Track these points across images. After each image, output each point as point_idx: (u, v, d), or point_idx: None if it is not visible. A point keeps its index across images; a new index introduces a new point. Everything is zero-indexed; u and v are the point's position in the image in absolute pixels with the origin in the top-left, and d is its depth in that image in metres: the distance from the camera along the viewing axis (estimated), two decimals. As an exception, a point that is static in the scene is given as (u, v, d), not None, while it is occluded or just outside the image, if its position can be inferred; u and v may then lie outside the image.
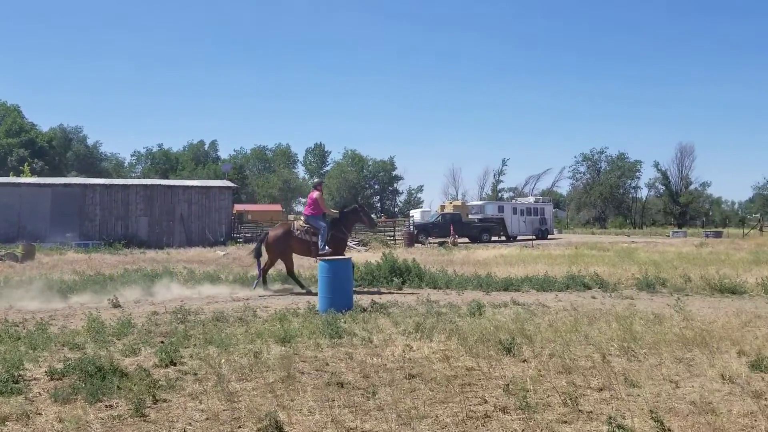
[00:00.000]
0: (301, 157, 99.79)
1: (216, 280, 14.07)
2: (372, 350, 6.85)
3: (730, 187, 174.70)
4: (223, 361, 6.34)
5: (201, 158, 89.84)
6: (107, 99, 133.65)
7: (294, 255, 13.23)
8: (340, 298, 9.83)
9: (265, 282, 13.06)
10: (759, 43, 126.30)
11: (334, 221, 13.21)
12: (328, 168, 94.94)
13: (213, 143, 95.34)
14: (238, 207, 52.39)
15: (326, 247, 12.78)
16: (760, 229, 51.83)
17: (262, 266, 13.03)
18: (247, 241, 35.95)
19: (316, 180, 14.88)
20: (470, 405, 4.89)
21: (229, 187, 38.67)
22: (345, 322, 8.47)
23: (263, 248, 13.06)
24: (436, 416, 4.65)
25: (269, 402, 4.97)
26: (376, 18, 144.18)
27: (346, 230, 13.56)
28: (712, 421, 4.39)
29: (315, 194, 13.19)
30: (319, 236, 12.82)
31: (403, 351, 6.73)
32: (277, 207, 62.20)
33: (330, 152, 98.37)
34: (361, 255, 23.33)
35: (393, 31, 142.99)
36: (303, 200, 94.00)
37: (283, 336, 7.41)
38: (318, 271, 10.30)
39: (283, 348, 7.00)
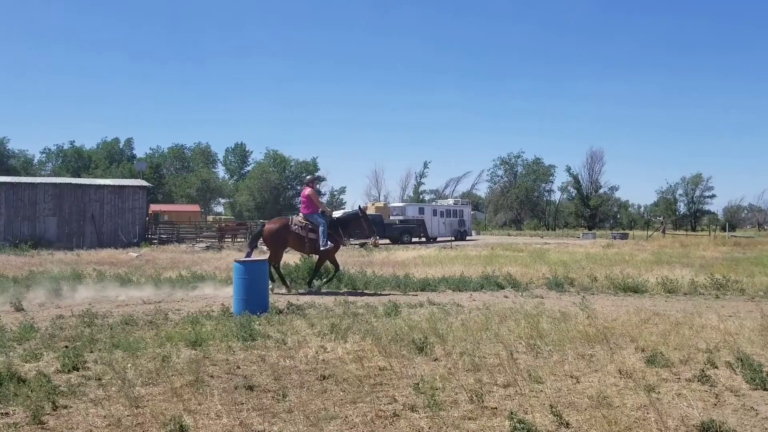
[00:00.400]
0: (221, 157, 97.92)
1: (127, 283, 13.62)
2: (285, 352, 6.82)
3: (637, 191, 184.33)
4: (129, 365, 6.16)
5: (115, 156, 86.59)
6: (16, 94, 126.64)
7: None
8: (255, 300, 9.71)
9: (281, 279, 12.86)
10: (665, 49, 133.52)
11: (332, 223, 13.08)
12: (249, 168, 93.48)
13: (128, 141, 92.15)
14: (153, 207, 50.80)
15: (328, 243, 12.59)
16: (663, 232, 54.89)
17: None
18: (162, 242, 34.97)
19: (308, 177, 14.40)
20: (380, 404, 4.95)
21: (143, 187, 37.49)
22: (260, 325, 8.38)
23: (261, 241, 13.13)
24: (346, 417, 4.69)
25: (175, 406, 4.86)
26: (299, 17, 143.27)
27: (344, 234, 13.42)
28: (607, 414, 4.61)
29: (307, 191, 13.00)
30: (320, 232, 12.61)
31: (317, 352, 6.73)
32: (195, 207, 60.65)
33: (251, 152, 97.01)
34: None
35: (314, 31, 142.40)
36: (223, 201, 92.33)
37: (194, 339, 7.25)
38: (233, 273, 10.15)
39: (193, 351, 6.85)
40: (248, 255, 13.02)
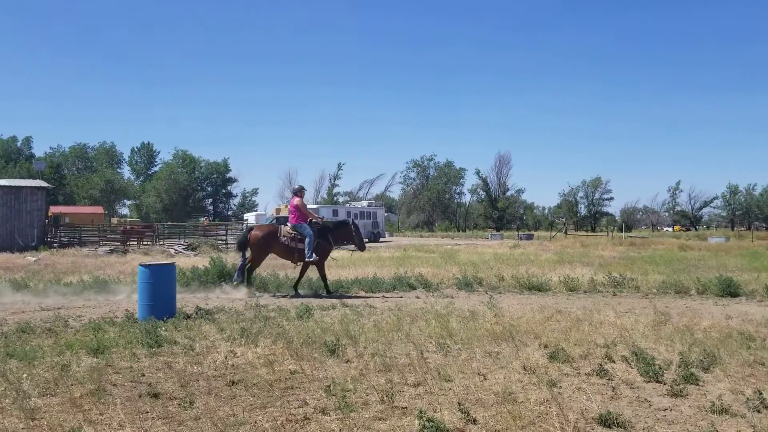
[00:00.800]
0: (126, 157, 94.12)
1: (23, 288, 12.86)
2: (193, 358, 6.63)
3: (541, 193, 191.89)
4: (24, 375, 5.81)
5: (12, 156, 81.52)
6: None
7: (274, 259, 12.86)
8: (161, 305, 9.37)
9: (249, 281, 12.54)
10: (568, 60, 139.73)
11: (321, 230, 12.83)
12: (156, 169, 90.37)
13: (27, 140, 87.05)
14: (54, 209, 48.25)
15: (313, 255, 12.40)
16: (565, 232, 57.37)
17: (245, 263, 12.62)
18: (62, 245, 33.24)
19: (296, 186, 13.97)
20: (291, 408, 4.91)
21: (42, 188, 35.51)
22: (166, 330, 8.11)
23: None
24: (255, 422, 4.61)
25: (74, 417, 4.63)
26: (208, 17, 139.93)
27: (333, 242, 13.15)
28: (512, 409, 4.77)
29: (296, 201, 12.78)
30: (306, 243, 12.41)
31: (226, 357, 6.59)
32: (99, 209, 58.01)
33: (159, 152, 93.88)
34: (189, 260, 22.48)
35: (221, 30, 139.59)
36: (128, 202, 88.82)
37: (96, 347, 6.94)
38: (138, 277, 9.79)
39: (95, 360, 6.55)
40: (242, 262, 12.73)
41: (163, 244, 34.14)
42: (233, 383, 5.63)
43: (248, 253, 12.78)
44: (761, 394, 4.89)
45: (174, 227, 43.36)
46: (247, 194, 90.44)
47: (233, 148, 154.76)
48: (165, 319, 8.93)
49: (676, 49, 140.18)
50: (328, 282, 12.86)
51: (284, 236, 12.66)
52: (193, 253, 27.86)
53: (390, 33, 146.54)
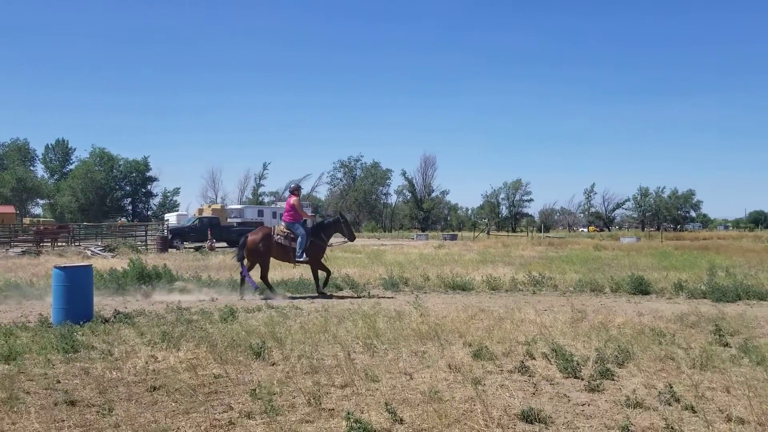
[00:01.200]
0: (40, 154, 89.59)
1: None
2: (112, 364, 6.40)
3: (465, 195, 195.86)
4: (-76, 388, 5.44)
5: None
6: None
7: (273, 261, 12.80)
8: (77, 308, 8.99)
9: (248, 283, 12.41)
10: (492, 63, 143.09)
11: (314, 229, 12.86)
12: (71, 167, 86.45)
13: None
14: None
15: (304, 255, 12.39)
16: (488, 233, 58.71)
17: (248, 271, 12.57)
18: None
19: (292, 185, 13.83)
20: (215, 413, 4.81)
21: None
22: (83, 335, 7.80)
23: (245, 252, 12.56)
24: (178, 428, 4.49)
25: (-18, 431, 4.38)
26: (133, 10, 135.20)
27: (326, 238, 13.08)
28: (438, 408, 4.84)
29: (292, 200, 12.73)
30: (298, 243, 12.39)
31: (147, 362, 6.39)
32: (10, 209, 54.97)
33: (75, 149, 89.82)
34: (107, 261, 21.63)
35: (144, 19, 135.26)
36: (42, 202, 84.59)
37: (7, 353, 6.59)
38: (52, 280, 9.35)
39: (6, 366, 6.23)
40: (243, 270, 12.57)
41: (79, 245, 32.72)
42: (154, 389, 5.47)
43: (246, 262, 12.65)
44: (672, 388, 5.15)
45: (90, 228, 41.60)
46: (168, 194, 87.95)
47: (154, 147, 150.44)
48: (81, 323, 8.58)
49: (590, 54, 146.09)
50: (320, 283, 12.77)
51: (278, 235, 12.67)
52: (111, 254, 26.81)
53: (316, 34, 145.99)
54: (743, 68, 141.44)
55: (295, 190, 13.19)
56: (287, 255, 12.70)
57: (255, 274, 12.75)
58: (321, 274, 12.79)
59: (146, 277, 13.29)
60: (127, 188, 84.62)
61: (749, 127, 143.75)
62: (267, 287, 12.56)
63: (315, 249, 12.69)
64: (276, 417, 4.64)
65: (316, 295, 12.48)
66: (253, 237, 12.77)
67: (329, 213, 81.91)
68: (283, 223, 12.88)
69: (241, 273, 12.67)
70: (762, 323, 8.93)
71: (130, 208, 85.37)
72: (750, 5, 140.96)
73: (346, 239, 13.67)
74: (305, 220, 12.83)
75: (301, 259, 12.45)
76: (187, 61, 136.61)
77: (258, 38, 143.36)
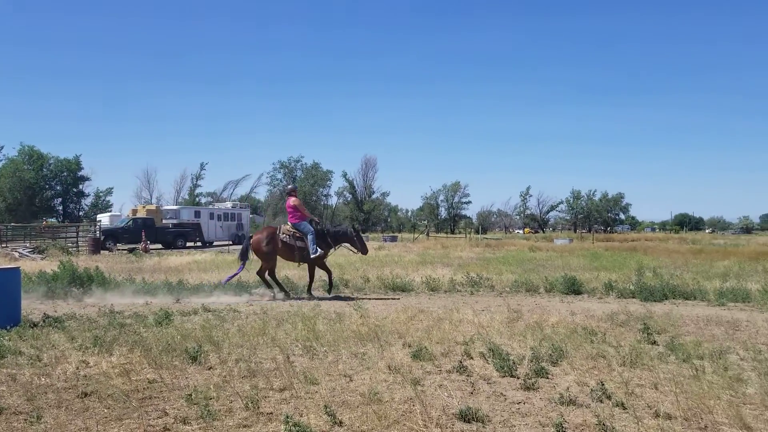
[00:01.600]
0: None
1: None
2: (40, 369, 6.15)
3: (405, 196, 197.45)
4: None
5: None
6: None
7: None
8: (4, 312, 8.59)
9: (279, 285, 12.72)
10: (432, 66, 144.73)
11: (323, 232, 12.78)
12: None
13: None
14: None
15: (318, 249, 12.35)
16: (427, 234, 59.31)
17: (239, 273, 12.82)
18: None
19: (289, 186, 13.80)
20: (149, 419, 4.68)
21: None
22: (9, 340, 7.47)
23: (251, 253, 12.73)
24: (110, 436, 4.36)
25: None
26: (63, 9, 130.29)
27: (332, 244, 12.91)
28: (377, 409, 4.85)
29: (291, 200, 12.79)
30: (308, 240, 12.40)
31: (78, 368, 6.17)
32: None
33: (2, 147, 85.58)
34: (35, 263, 20.79)
35: (79, 14, 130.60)
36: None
37: None
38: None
39: None
40: (239, 269, 12.91)
41: (6, 246, 31.26)
42: (86, 395, 5.28)
43: (247, 263, 12.83)
44: (603, 385, 5.32)
45: (18, 229, 39.78)
46: (101, 194, 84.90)
47: (86, 145, 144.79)
48: (8, 327, 8.21)
49: (525, 57, 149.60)
50: (313, 285, 12.90)
51: (284, 233, 12.63)
52: (40, 256, 25.79)
53: (255, 35, 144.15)
54: (670, 73, 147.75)
55: (293, 191, 13.23)
56: (292, 254, 12.72)
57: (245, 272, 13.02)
58: (316, 275, 13.02)
59: (77, 280, 12.83)
60: (58, 188, 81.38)
61: (675, 132, 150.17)
62: (275, 285, 12.74)
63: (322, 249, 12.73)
64: (213, 422, 4.56)
65: (305, 296, 12.53)
66: (258, 236, 12.90)
67: (260, 214, 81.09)
68: (288, 224, 12.85)
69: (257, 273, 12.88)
70: (687, 322, 9.33)
71: (60, 208, 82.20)
72: (677, 9, 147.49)
73: (357, 251, 13.34)
74: (311, 219, 12.89)
75: (316, 254, 12.40)
76: (120, 58, 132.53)
77: (196, 36, 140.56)
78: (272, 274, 12.88)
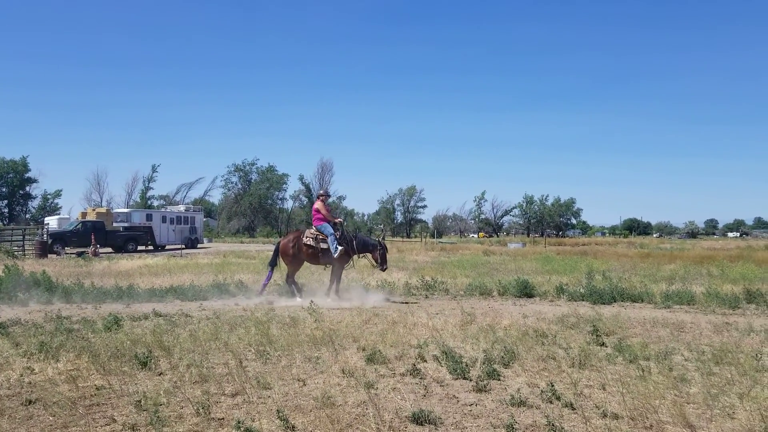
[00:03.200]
0: None
1: None
2: (-19, 378, 5.94)
3: (362, 200, 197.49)
4: None
5: None
6: None
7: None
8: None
9: (299, 290, 12.86)
10: (385, 71, 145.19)
11: (348, 238, 12.86)
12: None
13: None
14: None
15: (338, 247, 12.49)
16: (383, 238, 59.24)
17: (286, 278, 13.02)
18: None
19: (320, 191, 14.01)
20: (96, 427, 4.58)
21: None
22: (-53, 348, 7.19)
23: (279, 257, 12.98)
24: (55, 444, 4.24)
25: None
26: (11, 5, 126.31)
27: (356, 251, 12.93)
28: (330, 414, 4.84)
29: (317, 204, 13.10)
30: (330, 241, 12.57)
31: (22, 375, 5.99)
32: None
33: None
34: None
35: (29, 9, 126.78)
36: None
37: None
38: None
39: None
40: (269, 275, 13.13)
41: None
42: (30, 402, 5.13)
43: (277, 268, 13.15)
44: (553, 386, 5.43)
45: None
46: (49, 196, 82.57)
47: (34, 147, 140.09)
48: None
49: (482, 71, 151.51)
50: (339, 287, 12.91)
51: (308, 237, 12.86)
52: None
53: (208, 31, 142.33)
54: (619, 80, 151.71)
55: (321, 196, 13.49)
56: (316, 257, 12.88)
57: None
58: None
59: (23, 284, 12.43)
60: (3, 189, 78.76)
61: (626, 139, 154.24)
62: (291, 289, 12.89)
63: (343, 254, 12.70)
64: (162, 428, 4.48)
65: (327, 298, 12.54)
66: (284, 240, 13.29)
67: (213, 218, 79.98)
68: (313, 228, 12.98)
69: (286, 280, 13.07)
70: (635, 324, 9.58)
71: (6, 210, 79.52)
72: (623, 18, 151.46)
73: (377, 265, 13.24)
74: (335, 222, 12.96)
75: (337, 252, 12.47)
76: (69, 54, 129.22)
77: (146, 32, 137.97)
78: (289, 278, 13.06)
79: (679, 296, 12.43)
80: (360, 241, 13.09)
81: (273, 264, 13.18)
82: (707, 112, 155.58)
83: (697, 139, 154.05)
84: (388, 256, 13.48)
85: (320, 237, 12.80)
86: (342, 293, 12.83)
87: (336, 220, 13.10)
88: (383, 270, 13.46)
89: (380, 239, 14.18)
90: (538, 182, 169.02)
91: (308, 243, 12.79)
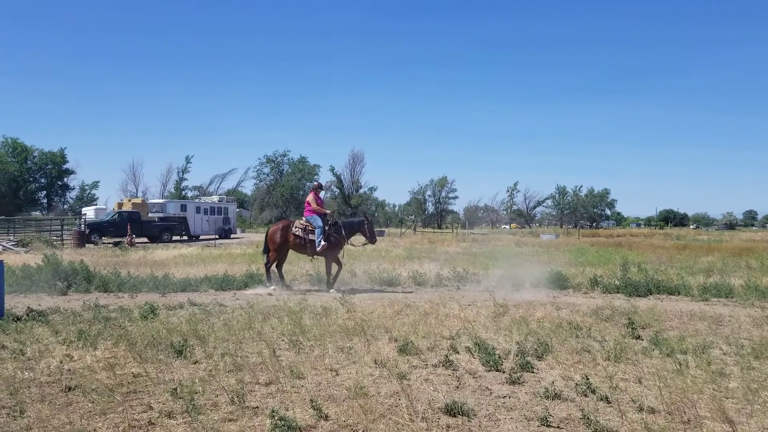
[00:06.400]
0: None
1: None
2: (24, 363, 6.10)
3: (393, 191, 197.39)
4: None
5: None
6: None
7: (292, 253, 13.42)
8: (-15, 307, 8.52)
9: (281, 278, 13.03)
10: (418, 63, 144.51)
11: (335, 224, 13.12)
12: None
13: None
14: None
15: (322, 242, 12.67)
16: (414, 229, 59.29)
17: (266, 263, 13.08)
18: None
19: (314, 183, 14.29)
20: (134, 414, 4.66)
21: None
22: (-8, 334, 7.40)
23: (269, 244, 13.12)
24: (94, 429, 4.33)
25: None
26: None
27: (345, 235, 13.17)
28: (363, 403, 4.85)
29: (309, 197, 13.32)
30: (316, 233, 12.78)
31: (61, 362, 6.12)
32: None
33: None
34: (19, 257, 20.58)
35: (66, 6, 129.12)
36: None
37: None
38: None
39: None
40: (267, 262, 13.11)
41: (-11, 239, 30.97)
42: (69, 389, 5.24)
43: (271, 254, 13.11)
44: (588, 379, 5.36)
45: (2, 221, 39.36)
46: (87, 187, 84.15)
47: (71, 139, 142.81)
48: (-10, 321, 8.13)
49: (516, 61, 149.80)
50: (331, 278, 13.02)
51: (297, 227, 13.06)
52: (24, 249, 25.55)
53: (242, 26, 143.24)
54: (657, 72, 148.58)
55: (316, 188, 13.70)
56: (304, 247, 13.03)
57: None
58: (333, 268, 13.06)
59: (62, 274, 12.71)
60: (42, 181, 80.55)
61: (662, 130, 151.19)
62: (279, 278, 13.05)
63: (333, 243, 12.90)
64: (198, 416, 4.54)
65: (325, 290, 12.70)
66: (273, 228, 13.46)
67: (246, 208, 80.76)
68: (303, 218, 13.18)
69: (265, 265, 13.15)
70: (671, 317, 9.41)
71: (45, 201, 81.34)
72: (664, 13, 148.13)
73: (367, 241, 13.56)
74: (325, 214, 13.11)
75: (321, 246, 12.67)
76: (105, 49, 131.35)
77: (180, 27, 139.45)
78: (279, 267, 13.17)
79: (717, 289, 12.17)
80: (347, 225, 13.34)
81: (267, 251, 13.26)
82: (747, 103, 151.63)
83: (735, 129, 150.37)
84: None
85: (309, 228, 12.97)
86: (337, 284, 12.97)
87: (326, 212, 13.22)
88: (373, 243, 13.75)
89: (365, 215, 14.32)
90: (571, 173, 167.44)
91: (296, 233, 12.97)
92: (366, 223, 13.40)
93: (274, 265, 13.11)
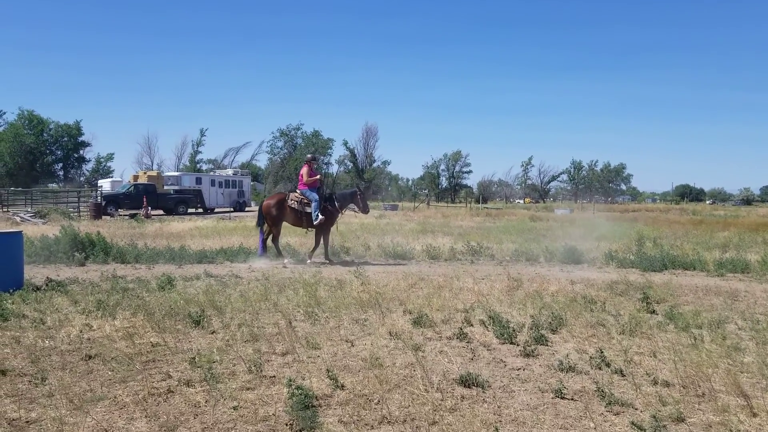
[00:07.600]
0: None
1: None
2: (44, 332, 6.21)
3: (406, 165, 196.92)
4: None
5: None
6: None
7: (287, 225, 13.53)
8: (7, 276, 8.63)
9: (278, 251, 13.01)
10: (434, 35, 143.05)
11: (329, 196, 13.37)
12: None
13: None
14: None
15: (319, 216, 12.79)
16: (428, 203, 59.27)
17: (265, 238, 13.17)
18: None
19: (308, 156, 14.16)
20: (153, 382, 4.74)
21: None
22: (13, 303, 7.53)
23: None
24: (115, 397, 4.41)
25: None
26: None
27: (339, 207, 13.43)
28: (378, 374, 4.90)
29: (303, 169, 13.38)
30: (312, 207, 12.88)
31: (81, 331, 6.23)
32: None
33: (3, 112, 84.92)
34: (37, 228, 20.82)
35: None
36: None
37: (-72, 324, 6.29)
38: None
39: (-73, 338, 5.94)
40: (262, 235, 13.24)
41: (8, 211, 31.30)
42: (90, 357, 5.34)
43: (265, 227, 13.20)
44: (602, 352, 5.37)
45: (19, 193, 39.74)
46: (102, 159, 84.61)
47: (87, 111, 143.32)
48: (11, 291, 8.27)
49: (531, 35, 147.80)
50: (329, 249, 13.24)
51: (292, 200, 13.09)
52: (42, 221, 25.83)
53: (259, 2, 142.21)
54: (673, 47, 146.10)
55: (310, 161, 13.63)
56: (299, 220, 13.15)
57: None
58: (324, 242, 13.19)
59: (79, 245, 12.87)
60: (59, 153, 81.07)
61: (678, 105, 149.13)
62: (276, 252, 13.04)
63: (326, 214, 13.05)
64: (216, 384, 4.61)
65: (326, 261, 12.89)
66: (267, 201, 13.44)
67: (260, 182, 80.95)
68: (298, 191, 13.27)
69: (272, 241, 13.16)
70: (686, 291, 9.38)
71: (61, 173, 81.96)
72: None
73: (359, 210, 13.90)
74: (319, 187, 13.23)
75: (318, 220, 12.80)
76: (120, 22, 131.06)
77: (196, 1, 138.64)
78: (275, 240, 13.10)
79: (733, 264, 12.10)
80: (340, 197, 13.50)
81: (261, 224, 13.34)
82: (764, 78, 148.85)
83: (752, 104, 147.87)
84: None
85: (305, 201, 13.05)
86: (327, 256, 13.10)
87: (317, 177, 13.30)
88: (366, 213, 14.01)
89: (357, 186, 14.49)
90: (587, 148, 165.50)
91: (292, 206, 13.03)
92: (359, 194, 13.62)
93: (268, 236, 13.18)
